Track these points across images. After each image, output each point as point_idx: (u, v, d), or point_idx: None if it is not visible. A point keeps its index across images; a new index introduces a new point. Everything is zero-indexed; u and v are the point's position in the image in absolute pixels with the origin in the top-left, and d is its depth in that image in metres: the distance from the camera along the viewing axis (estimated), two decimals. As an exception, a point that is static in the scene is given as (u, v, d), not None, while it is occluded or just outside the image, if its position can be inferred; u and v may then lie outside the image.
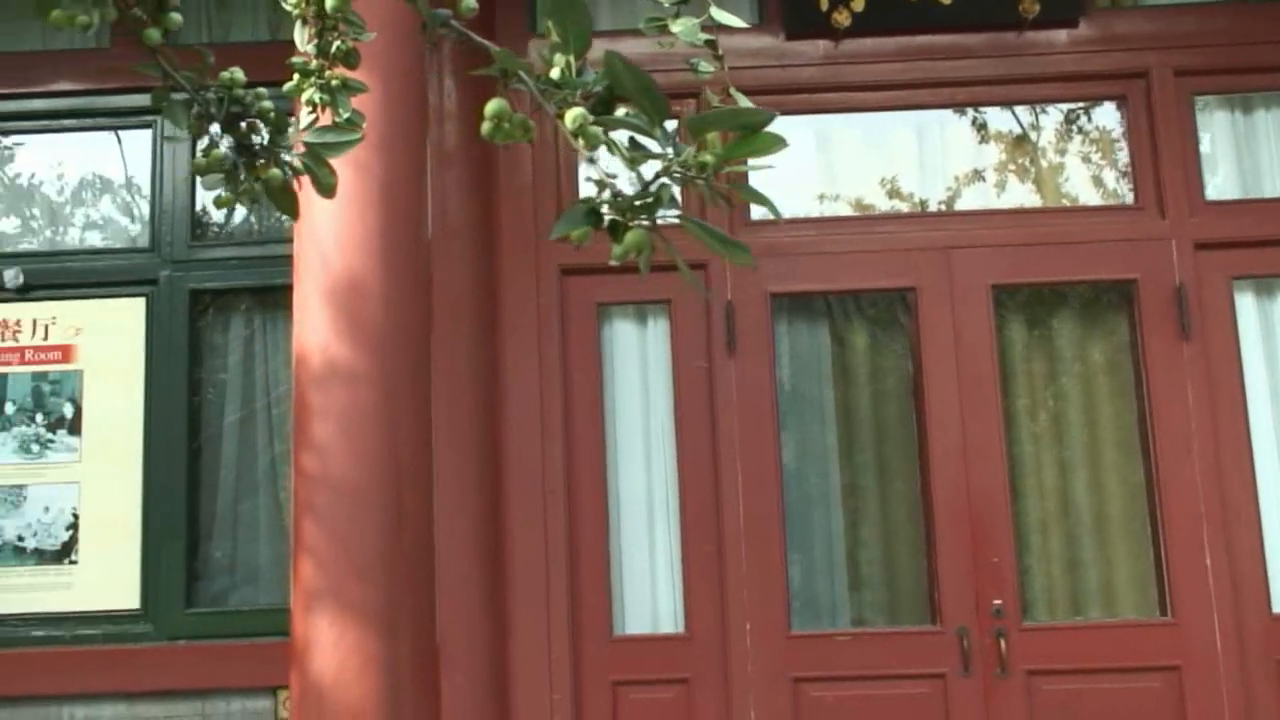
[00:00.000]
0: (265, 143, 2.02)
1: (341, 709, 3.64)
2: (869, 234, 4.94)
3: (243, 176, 2.03)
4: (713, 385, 4.86)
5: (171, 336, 5.00)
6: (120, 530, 4.91)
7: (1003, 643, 4.63)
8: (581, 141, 1.35)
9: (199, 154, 1.97)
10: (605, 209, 1.31)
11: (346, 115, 2.08)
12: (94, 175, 5.34)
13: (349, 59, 2.13)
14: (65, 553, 4.92)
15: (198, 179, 2.02)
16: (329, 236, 3.73)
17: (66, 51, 5.25)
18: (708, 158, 1.25)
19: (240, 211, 5.27)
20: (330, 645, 3.66)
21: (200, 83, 1.98)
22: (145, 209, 5.24)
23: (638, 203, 1.29)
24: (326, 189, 2.04)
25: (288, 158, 2.03)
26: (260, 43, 5.18)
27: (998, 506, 4.74)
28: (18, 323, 5.04)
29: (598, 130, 1.37)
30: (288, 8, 2.12)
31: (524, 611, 4.72)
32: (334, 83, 2.09)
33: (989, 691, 4.63)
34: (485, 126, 1.43)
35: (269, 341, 5.16)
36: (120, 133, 5.29)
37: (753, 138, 1.24)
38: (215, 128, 2.04)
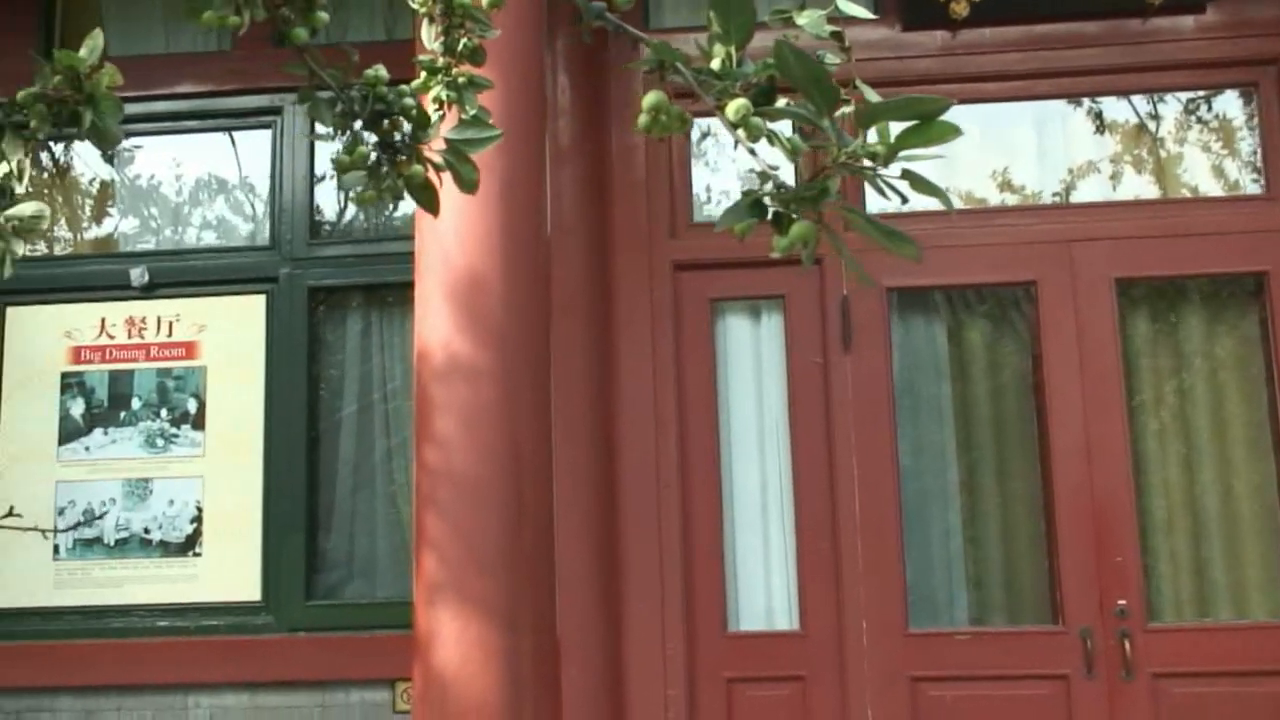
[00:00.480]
0: (407, 139, 2.03)
1: (464, 702, 3.66)
2: (988, 227, 4.85)
3: (385, 173, 2.05)
4: (828, 381, 4.82)
5: (291, 333, 5.08)
6: (242, 523, 5.00)
7: (1127, 644, 4.53)
8: (743, 133, 1.33)
9: (341, 152, 1.98)
10: (769, 201, 1.29)
11: (473, 112, 2.09)
12: (215, 175, 5.45)
13: (475, 56, 2.14)
14: (189, 545, 5.02)
15: (339, 176, 2.03)
16: (450, 233, 3.76)
17: (188, 55, 5.35)
18: (879, 148, 1.22)
19: (356, 210, 5.34)
20: (453, 639, 3.69)
21: (345, 81, 1.99)
22: (265, 208, 5.33)
23: (803, 194, 1.26)
24: (469, 185, 2.05)
25: (429, 154, 2.04)
26: (377, 42, 5.24)
27: (1121, 504, 4.64)
28: (143, 320, 5.16)
29: (760, 121, 1.35)
30: (414, 6, 2.13)
31: (638, 607, 4.72)
32: (460, 80, 2.10)
33: (1114, 694, 4.53)
34: (642, 119, 1.42)
35: (383, 337, 5.22)
36: (241, 133, 5.38)
37: (926, 126, 1.21)
38: (352, 125, 2.06)
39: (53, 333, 5.17)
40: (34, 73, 1.99)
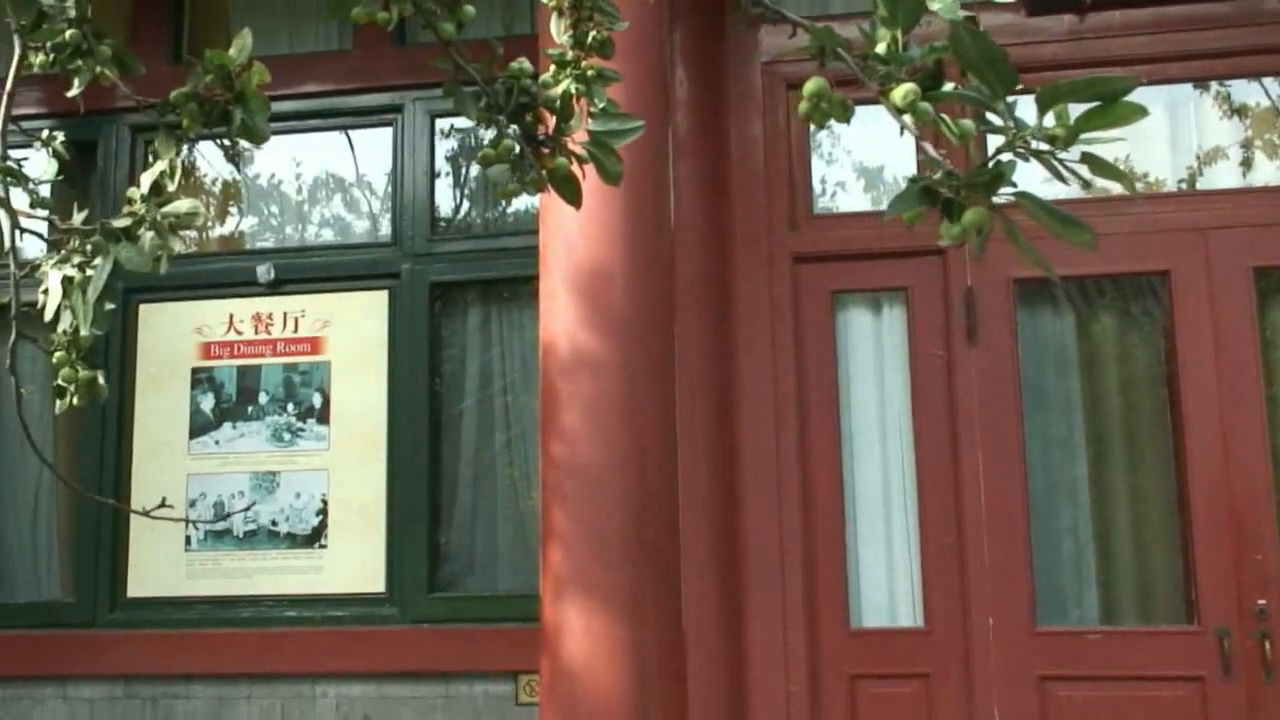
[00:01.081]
0: (551, 132, 2.04)
1: (591, 695, 3.68)
2: (1119, 215, 4.74)
3: (528, 166, 2.05)
4: (951, 374, 4.75)
5: (412, 328, 5.14)
6: (366, 516, 5.08)
7: (1267, 645, 4.40)
8: (910, 118, 1.31)
9: (486, 145, 1.99)
10: (940, 188, 1.26)
11: (602, 105, 2.08)
12: (336, 173, 5.53)
13: (604, 49, 2.14)
14: (315, 537, 5.11)
15: (483, 170, 2.04)
16: (574, 227, 3.77)
17: (311, 55, 5.44)
18: (1058, 130, 1.19)
19: (474, 206, 5.38)
20: (580, 631, 3.71)
21: (489, 75, 2.00)
22: (386, 205, 5.40)
23: (975, 180, 1.23)
24: (613, 177, 2.05)
25: (572, 147, 2.04)
26: (495, 38, 5.27)
27: (1260, 501, 4.50)
28: (269, 316, 5.26)
29: (928, 106, 1.32)
30: (545, 0, 2.13)
31: (760, 601, 4.70)
32: (589, 73, 2.10)
33: (1253, 696, 4.40)
34: (803, 106, 1.40)
35: (502, 331, 5.26)
36: (361, 131, 5.46)
37: (1110, 108, 1.18)
38: (497, 119, 2.07)
39: (183, 329, 5.29)
40: (186, 73, 2.03)
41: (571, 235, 3.73)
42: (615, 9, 2.12)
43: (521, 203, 5.36)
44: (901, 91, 1.33)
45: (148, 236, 2.05)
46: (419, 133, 5.26)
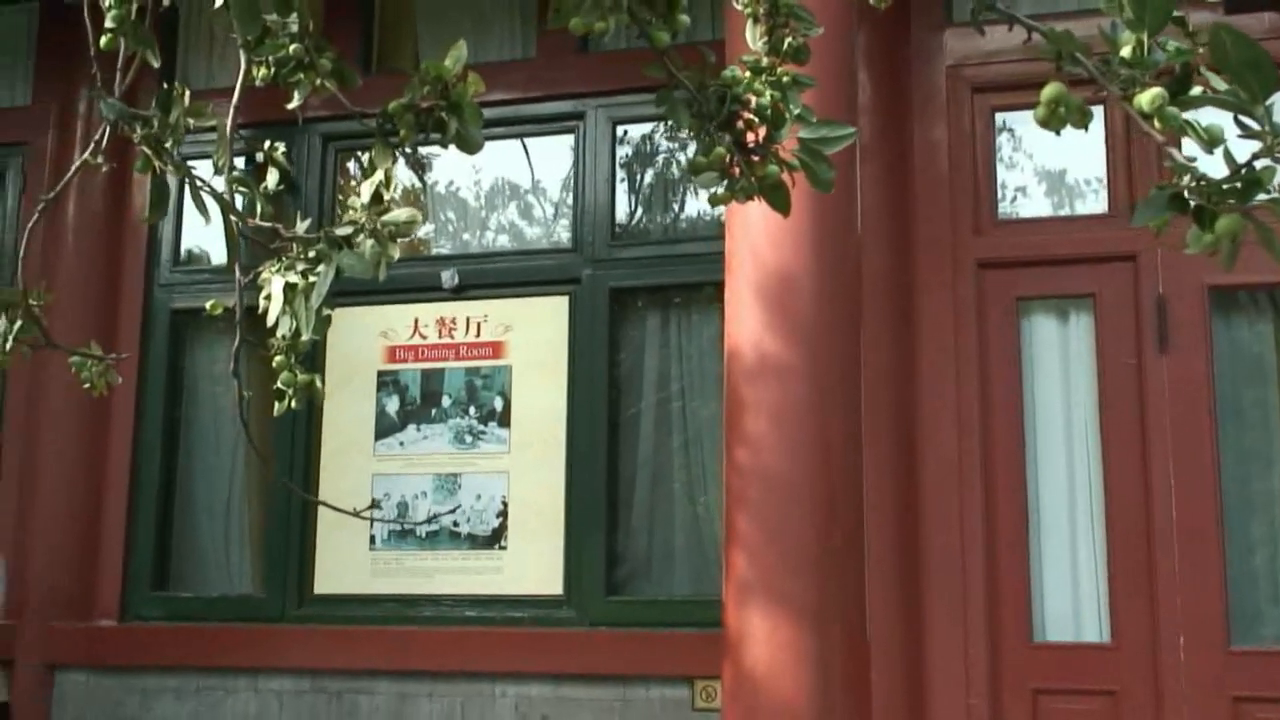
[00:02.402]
0: (761, 140, 2.04)
1: (774, 701, 3.67)
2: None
3: (738, 174, 2.06)
4: (1142, 383, 4.61)
5: (592, 332, 5.20)
6: (545, 519, 5.15)
7: None
8: (1157, 123, 1.28)
9: (697, 153, 2.00)
10: (1190, 195, 1.23)
11: (797, 111, 2.08)
12: (515, 180, 5.63)
13: (799, 54, 2.13)
14: (495, 539, 5.21)
15: (693, 177, 2.06)
16: (760, 233, 3.78)
17: (494, 64, 5.55)
18: (1321, 135, 1.15)
19: (653, 212, 5.42)
20: (764, 638, 3.70)
21: (701, 82, 2.01)
22: (565, 211, 5.48)
23: (1230, 186, 1.20)
24: (825, 184, 2.05)
25: (783, 154, 2.05)
26: (678, 46, 5.30)
27: None
28: (453, 320, 5.38)
29: (1176, 111, 1.29)
30: (739, 6, 2.14)
31: (940, 612, 4.63)
32: (784, 79, 2.09)
33: None
34: (1040, 112, 1.38)
35: (680, 337, 5.29)
36: (541, 139, 5.54)
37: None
38: (708, 126, 2.08)
39: (371, 333, 5.45)
40: (404, 85, 2.09)
41: (758, 241, 3.73)
42: (811, 15, 2.12)
43: (699, 208, 5.38)
44: (1149, 96, 1.30)
45: (368, 244, 2.12)
46: (600, 139, 5.32)
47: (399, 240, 2.15)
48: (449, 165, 5.72)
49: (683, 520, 5.18)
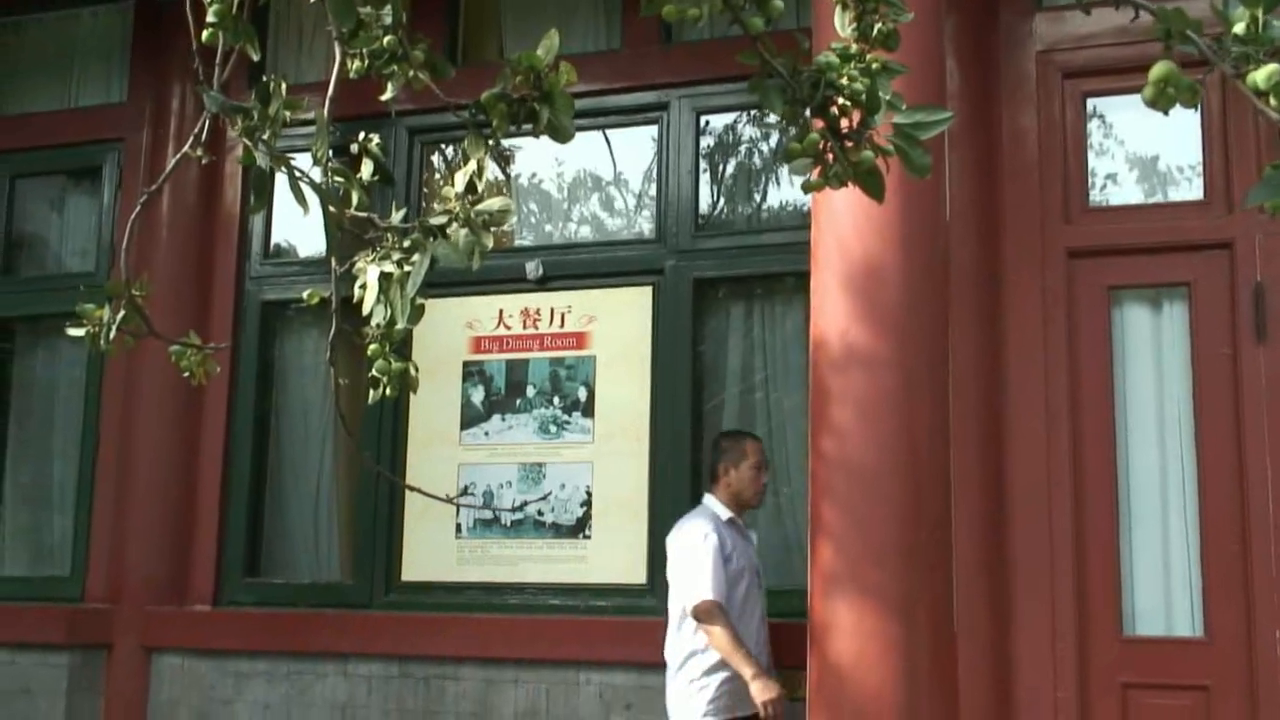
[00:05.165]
0: (856, 127, 2.02)
1: (861, 692, 3.65)
2: None
3: (832, 160, 2.04)
4: (1238, 374, 4.51)
5: (676, 323, 5.19)
6: (629, 509, 5.16)
7: None
8: (1273, 101, 1.24)
9: (791, 139, 1.98)
10: (1309, 174, 1.19)
11: (887, 99, 2.05)
12: (597, 171, 5.64)
13: (889, 41, 2.10)
14: (579, 528, 5.22)
15: (787, 164, 2.04)
16: (847, 222, 3.74)
17: (578, 55, 5.55)
18: None
19: (736, 203, 5.40)
20: (850, 629, 3.68)
21: (794, 68, 1.99)
22: (647, 202, 5.47)
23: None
24: (922, 169, 2.02)
25: (878, 140, 2.02)
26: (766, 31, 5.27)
27: None
28: (537, 311, 5.40)
29: (1293, 88, 1.25)
30: (827, -6, 2.11)
31: (1028, 604, 4.56)
32: (874, 66, 2.06)
33: None
34: (1148, 92, 1.34)
35: (762, 326, 5.26)
36: (624, 130, 5.54)
37: None
38: (802, 113, 2.06)
39: (456, 323, 5.48)
40: (495, 76, 2.09)
41: (844, 230, 3.70)
42: (900, 0, 2.09)
43: (783, 198, 5.35)
44: (1265, 73, 1.26)
45: (462, 233, 2.12)
46: (684, 130, 5.30)
47: (492, 230, 2.16)
48: (532, 157, 5.74)
49: (766, 510, 5.15)
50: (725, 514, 4.46)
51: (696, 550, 4.32)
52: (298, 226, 5.95)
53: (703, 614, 4.23)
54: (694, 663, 4.33)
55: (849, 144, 2.01)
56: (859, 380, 3.71)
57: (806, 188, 2.06)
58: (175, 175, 5.47)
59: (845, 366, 3.73)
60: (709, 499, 4.55)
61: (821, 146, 2.00)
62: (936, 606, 3.74)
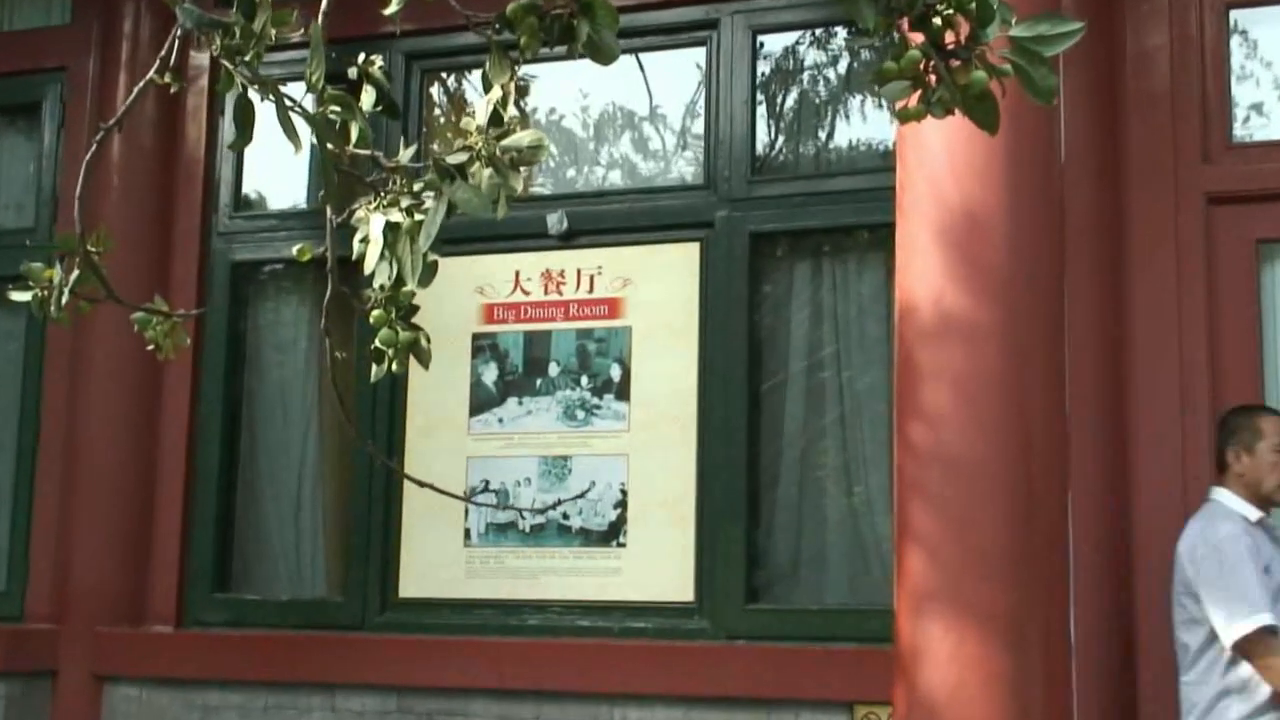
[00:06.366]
0: (965, 41, 1.99)
1: (959, 732, 3.64)
2: None
3: (935, 83, 2.01)
4: None
5: (729, 287, 5.16)
6: (673, 510, 5.15)
7: None
8: None
9: (886, 59, 1.95)
10: None
11: (995, 7, 2.02)
12: (631, 106, 5.61)
13: (997, -42, 2.08)
14: (613, 534, 5.22)
15: (879, 87, 2.01)
16: (942, 163, 3.72)
17: (609, -36, 5.52)
18: None
19: (802, 140, 5.37)
20: (945, 656, 3.67)
21: (888, -27, 1.96)
22: (695, 142, 5.45)
23: None
24: (1045, 93, 2.00)
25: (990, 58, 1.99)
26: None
27: None
28: (561, 273, 5.38)
29: None
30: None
31: (1157, 626, 4.52)
32: None
33: None
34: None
35: (835, 291, 5.23)
36: (665, 53, 5.50)
37: None
38: (898, 25, 2.03)
39: (464, 288, 5.48)
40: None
41: (939, 173, 3.67)
42: (1007, -100, 2.06)
43: (857, 135, 5.32)
44: None
45: (485, 174, 2.11)
46: (738, 54, 5.26)
47: (521, 170, 2.14)
48: (550, 88, 5.71)
49: (838, 513, 5.14)
50: (1253, 513, 4.18)
51: (1232, 563, 4.01)
52: (274, 174, 5.95)
53: (1254, 646, 3.94)
54: (1231, 707, 4.04)
55: (956, 63, 1.98)
56: (957, 354, 3.69)
57: (904, 116, 2.03)
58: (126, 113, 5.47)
59: (939, 338, 3.71)
60: (1221, 494, 4.27)
61: (922, 66, 1.98)
62: (1051, 627, 3.73)
